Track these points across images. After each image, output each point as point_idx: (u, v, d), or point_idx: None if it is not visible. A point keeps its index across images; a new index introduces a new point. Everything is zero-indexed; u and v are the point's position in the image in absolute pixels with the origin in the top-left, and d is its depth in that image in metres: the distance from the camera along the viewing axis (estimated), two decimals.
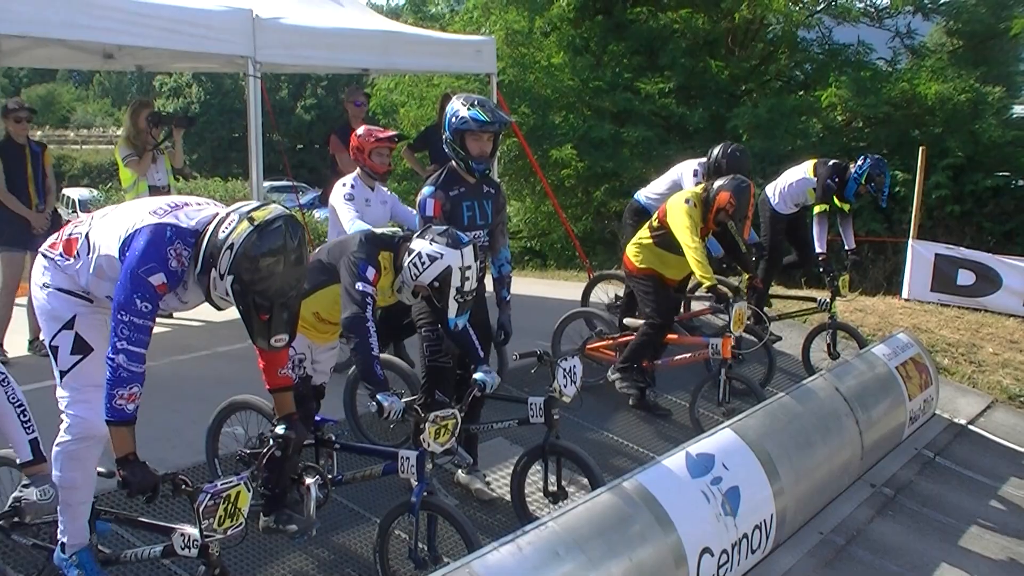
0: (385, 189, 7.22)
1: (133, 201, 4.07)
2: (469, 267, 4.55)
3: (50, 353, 4.04)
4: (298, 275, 3.68)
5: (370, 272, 4.59)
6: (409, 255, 4.59)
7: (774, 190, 9.05)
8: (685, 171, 8.60)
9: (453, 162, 5.67)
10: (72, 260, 3.97)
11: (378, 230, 4.91)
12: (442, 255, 4.51)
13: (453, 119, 5.55)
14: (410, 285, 4.64)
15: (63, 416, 3.99)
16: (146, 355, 3.64)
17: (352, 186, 6.94)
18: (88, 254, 3.91)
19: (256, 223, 3.58)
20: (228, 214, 3.69)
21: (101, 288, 3.93)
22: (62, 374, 3.99)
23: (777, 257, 9.11)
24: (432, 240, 4.57)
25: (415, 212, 5.81)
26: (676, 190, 8.26)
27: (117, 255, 3.76)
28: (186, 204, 3.88)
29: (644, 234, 7.46)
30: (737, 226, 7.50)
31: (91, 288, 3.96)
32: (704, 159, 8.38)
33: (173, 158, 8.95)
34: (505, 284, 5.94)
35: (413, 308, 5.67)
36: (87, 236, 3.95)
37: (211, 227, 3.68)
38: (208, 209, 3.87)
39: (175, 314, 8.29)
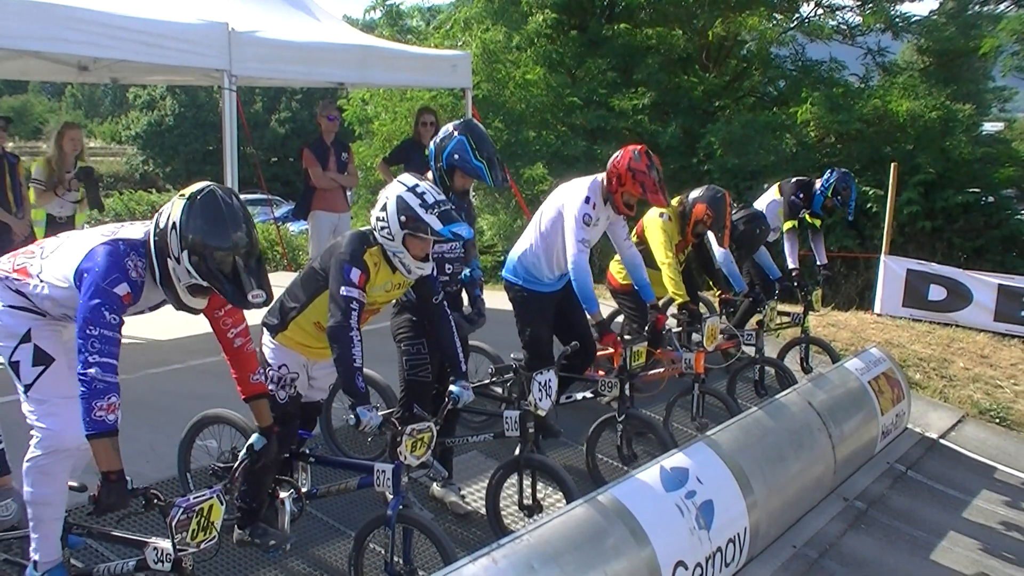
0: None
1: (81, 232, 4.07)
2: (415, 184, 4.59)
3: (10, 370, 4.01)
4: (246, 228, 3.69)
5: (354, 274, 4.54)
6: (376, 228, 4.62)
7: None
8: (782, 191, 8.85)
9: (430, 176, 5.68)
10: (23, 282, 3.99)
11: (364, 228, 4.86)
12: (387, 197, 4.58)
13: (456, 156, 5.53)
14: (402, 251, 4.60)
15: (33, 432, 3.96)
16: (117, 363, 3.62)
17: (594, 205, 6.42)
18: (40, 282, 3.93)
19: (188, 195, 3.67)
20: (163, 207, 3.76)
21: (53, 310, 3.96)
22: (27, 388, 3.97)
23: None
24: (376, 204, 4.64)
25: None
26: (774, 208, 8.41)
27: (72, 282, 3.78)
28: (132, 224, 3.96)
29: None
30: (717, 236, 7.55)
31: (42, 307, 3.98)
32: (799, 177, 8.51)
33: (81, 206, 8.76)
34: (477, 284, 5.99)
35: (392, 323, 5.67)
36: (39, 269, 3.97)
37: (152, 224, 3.75)
38: (151, 225, 3.91)
39: (148, 329, 8.26)
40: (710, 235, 7.74)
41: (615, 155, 6.48)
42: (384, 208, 4.56)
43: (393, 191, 4.57)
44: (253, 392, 4.25)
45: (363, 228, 4.84)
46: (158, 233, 3.70)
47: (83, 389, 3.53)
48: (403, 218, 4.51)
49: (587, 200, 6.36)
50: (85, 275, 3.71)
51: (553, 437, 6.58)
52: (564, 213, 6.44)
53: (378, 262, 4.68)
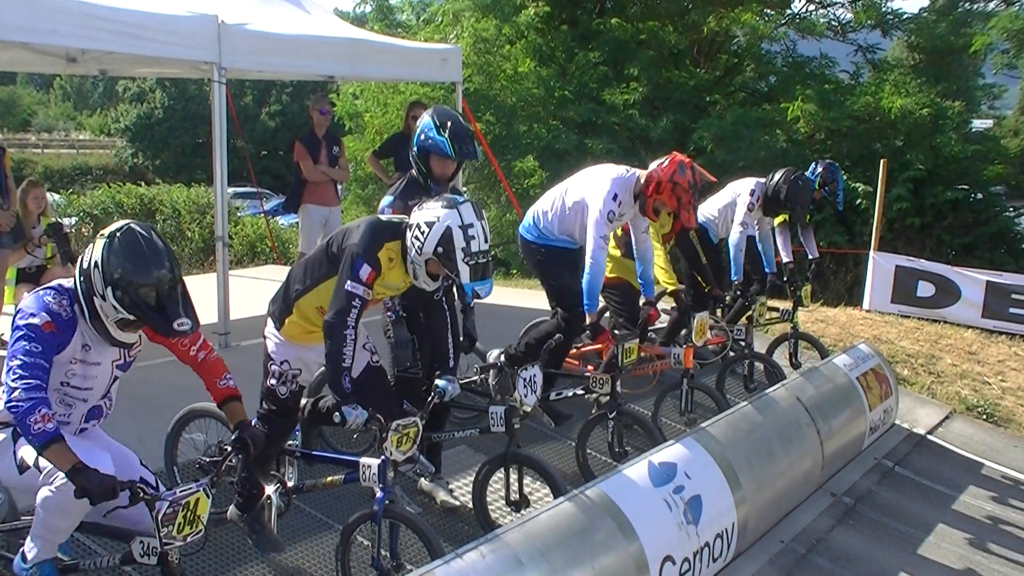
0: None
1: None
2: (471, 224, 4.41)
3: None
4: (167, 260, 3.74)
5: (364, 271, 4.46)
6: (410, 231, 4.49)
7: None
8: (743, 190, 8.46)
9: (414, 172, 5.67)
10: None
11: (384, 217, 4.79)
12: (438, 218, 4.41)
13: (423, 137, 5.54)
14: (420, 264, 4.52)
15: (58, 475, 3.73)
16: (45, 385, 3.66)
17: (620, 203, 6.41)
18: None
19: (107, 234, 3.75)
20: (84, 250, 3.84)
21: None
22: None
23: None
24: (427, 208, 4.48)
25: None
26: (732, 208, 8.35)
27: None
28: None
29: (611, 244, 7.47)
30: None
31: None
32: (761, 179, 8.41)
33: (53, 261, 8.64)
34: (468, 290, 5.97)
35: (383, 318, 5.65)
36: None
37: (77, 268, 3.82)
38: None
39: None
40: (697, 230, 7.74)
41: (660, 161, 6.46)
42: (430, 225, 4.42)
43: (447, 217, 4.40)
44: (225, 396, 4.25)
45: (390, 218, 4.76)
46: (82, 274, 3.77)
47: (15, 416, 3.57)
48: (440, 249, 4.40)
49: (614, 197, 6.38)
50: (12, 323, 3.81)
51: (567, 419, 6.69)
52: (588, 204, 6.45)
53: (395, 258, 4.58)
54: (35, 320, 3.72)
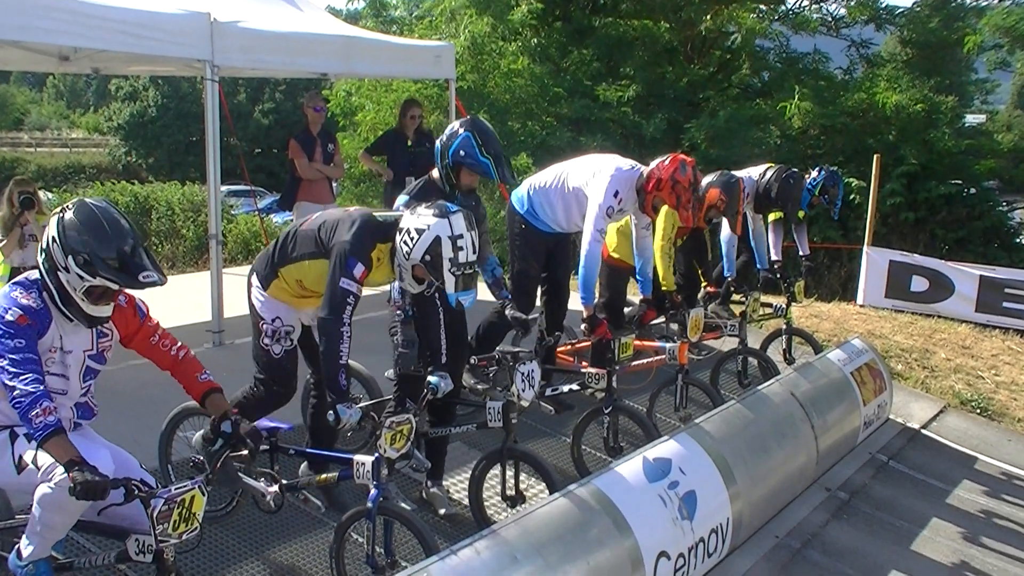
0: None
1: None
2: (460, 236, 4.46)
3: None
4: (124, 222, 3.79)
5: (357, 269, 4.51)
6: (400, 234, 4.54)
7: None
8: None
9: (436, 175, 5.69)
10: None
11: (379, 215, 4.79)
12: (429, 226, 4.46)
13: (461, 153, 5.54)
14: (407, 268, 4.58)
15: (56, 472, 3.72)
16: (41, 377, 3.68)
17: (620, 200, 6.44)
18: None
19: (59, 209, 3.84)
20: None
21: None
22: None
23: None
24: (419, 214, 4.52)
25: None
26: None
27: None
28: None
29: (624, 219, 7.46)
30: (730, 222, 7.60)
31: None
32: (746, 173, 8.41)
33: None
34: (501, 285, 6.03)
35: (389, 316, 5.64)
36: None
37: (39, 251, 3.85)
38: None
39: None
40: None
41: (663, 158, 6.49)
42: (420, 232, 4.47)
43: (437, 227, 4.45)
44: (205, 390, 4.27)
45: (385, 217, 4.76)
46: (43, 253, 3.81)
47: (17, 410, 3.60)
48: (428, 257, 4.46)
49: (615, 194, 6.39)
50: None
51: (569, 410, 6.78)
52: (589, 197, 6.46)
53: (382, 258, 4.66)
54: (8, 316, 3.73)
